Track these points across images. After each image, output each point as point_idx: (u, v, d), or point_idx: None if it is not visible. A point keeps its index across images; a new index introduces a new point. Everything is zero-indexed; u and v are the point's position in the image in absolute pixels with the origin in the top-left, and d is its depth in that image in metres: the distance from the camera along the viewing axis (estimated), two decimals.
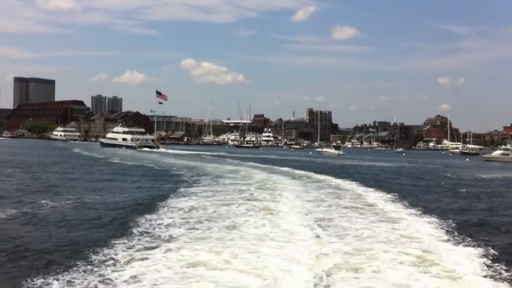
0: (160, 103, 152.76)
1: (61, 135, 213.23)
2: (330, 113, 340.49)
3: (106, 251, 12.23)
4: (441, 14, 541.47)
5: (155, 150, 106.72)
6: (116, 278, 10.05)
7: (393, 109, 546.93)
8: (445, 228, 16.73)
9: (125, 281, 9.91)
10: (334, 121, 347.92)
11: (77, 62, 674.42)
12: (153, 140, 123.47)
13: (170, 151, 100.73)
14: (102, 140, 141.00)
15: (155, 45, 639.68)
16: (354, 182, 34.04)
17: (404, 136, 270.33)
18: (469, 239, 15.11)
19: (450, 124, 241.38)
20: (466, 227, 17.41)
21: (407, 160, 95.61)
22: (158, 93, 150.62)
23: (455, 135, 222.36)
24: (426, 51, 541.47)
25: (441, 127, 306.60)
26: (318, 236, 14.65)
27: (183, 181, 32.63)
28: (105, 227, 15.80)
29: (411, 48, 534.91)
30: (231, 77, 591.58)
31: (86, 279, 9.98)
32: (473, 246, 13.91)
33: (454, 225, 17.53)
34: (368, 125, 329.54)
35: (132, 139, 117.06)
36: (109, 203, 21.41)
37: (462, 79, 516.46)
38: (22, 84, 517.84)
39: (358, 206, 21.66)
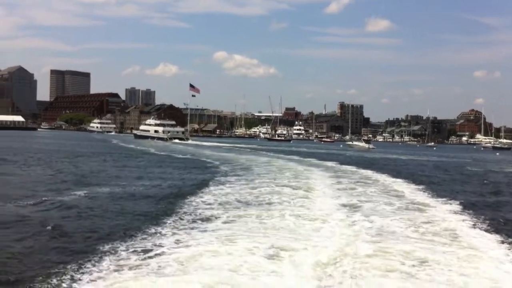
0: (193, 95, 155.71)
1: (97, 127, 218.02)
2: (361, 106, 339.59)
3: (156, 225, 14.15)
4: (476, 5, 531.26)
5: (184, 141, 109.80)
6: (166, 243, 12.00)
7: (426, 102, 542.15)
8: (468, 215, 17.90)
9: (172, 246, 11.78)
10: (366, 114, 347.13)
11: (111, 54, 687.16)
12: (183, 132, 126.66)
13: (205, 143, 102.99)
14: (135, 132, 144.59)
15: (187, 38, 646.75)
16: (383, 174, 35.25)
17: (437, 130, 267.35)
18: (489, 223, 16.29)
19: (484, 118, 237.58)
20: (487, 214, 18.55)
21: (437, 154, 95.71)
22: (191, 86, 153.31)
23: (489, 130, 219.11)
24: (460, 43, 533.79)
25: (474, 122, 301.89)
26: (348, 217, 16.22)
27: (218, 171, 34.37)
28: (153, 208, 17.68)
29: (446, 40, 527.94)
30: (263, 70, 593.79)
31: (144, 245, 11.89)
32: (492, 231, 14.92)
33: (476, 212, 18.68)
34: (400, 119, 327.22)
35: (163, 131, 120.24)
36: (155, 189, 23.42)
37: (498, 73, 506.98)
38: (58, 76, 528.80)
39: (385, 194, 23.09)
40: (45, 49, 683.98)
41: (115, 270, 9.89)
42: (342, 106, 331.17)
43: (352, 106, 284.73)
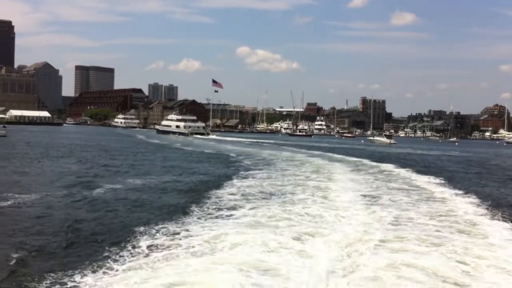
0: (216, 91, 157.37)
1: (121, 122, 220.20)
2: (384, 101, 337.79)
3: (186, 214, 15.28)
4: None
5: (205, 136, 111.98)
6: (194, 228, 13.10)
7: (451, 97, 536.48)
8: (484, 207, 18.49)
9: (200, 230, 12.92)
10: (389, 109, 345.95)
11: (135, 50, 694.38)
12: (204, 128, 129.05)
13: (227, 138, 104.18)
14: (157, 127, 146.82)
15: (210, 33, 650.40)
16: (403, 168, 35.85)
17: (460, 125, 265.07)
18: (505, 216, 16.72)
19: (508, 113, 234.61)
20: (506, 206, 19.28)
21: (459, 149, 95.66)
22: (214, 81, 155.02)
23: None
24: (487, 37, 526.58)
25: (498, 117, 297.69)
26: (368, 207, 17.15)
27: (241, 165, 35.49)
28: (181, 200, 18.84)
29: (472, 34, 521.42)
30: (286, 65, 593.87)
31: (175, 229, 12.98)
32: (506, 222, 15.51)
33: (492, 204, 19.33)
34: (423, 114, 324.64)
35: (184, 127, 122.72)
36: (183, 181, 24.70)
37: None
38: (82, 72, 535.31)
39: (405, 187, 23.86)
40: (69, 45, 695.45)
41: (150, 252, 10.93)
42: (364, 101, 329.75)
43: (374, 101, 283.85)
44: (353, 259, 10.54)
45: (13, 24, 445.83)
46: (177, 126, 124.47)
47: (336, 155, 51.17)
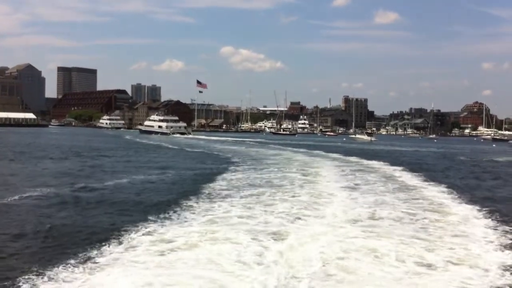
0: (200, 92, 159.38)
1: (107, 123, 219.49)
2: (366, 100, 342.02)
3: (184, 203, 16.98)
4: None
5: (186, 135, 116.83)
6: (193, 218, 14.52)
7: (433, 95, 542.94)
8: (451, 194, 21.09)
9: (200, 211, 15.17)
10: (372, 108, 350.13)
11: (117, 50, 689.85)
12: (185, 127, 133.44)
13: (213, 137, 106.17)
14: (140, 127, 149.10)
15: (194, 33, 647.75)
16: (381, 162, 38.75)
17: (440, 123, 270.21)
18: (468, 200, 19.40)
19: (488, 110, 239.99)
20: (468, 194, 21.68)
21: (436, 146, 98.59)
22: (198, 82, 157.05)
23: (490, 122, 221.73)
24: (470, 36, 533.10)
25: (478, 114, 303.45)
26: (349, 194, 19.64)
27: (229, 162, 37.57)
28: (181, 190, 21.00)
29: (455, 33, 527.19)
30: (269, 64, 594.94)
31: (170, 221, 14.07)
32: (470, 204, 18.18)
33: (458, 192, 21.86)
34: (404, 112, 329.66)
35: (166, 127, 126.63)
36: (179, 176, 26.79)
37: (507, 64, 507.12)
38: (65, 73, 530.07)
39: (382, 178, 26.48)
40: (51, 46, 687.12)
41: (161, 226, 13.09)
42: (347, 100, 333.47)
43: (357, 100, 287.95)
44: (338, 230, 12.99)
45: None
46: (160, 126, 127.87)
47: (319, 152, 53.69)
